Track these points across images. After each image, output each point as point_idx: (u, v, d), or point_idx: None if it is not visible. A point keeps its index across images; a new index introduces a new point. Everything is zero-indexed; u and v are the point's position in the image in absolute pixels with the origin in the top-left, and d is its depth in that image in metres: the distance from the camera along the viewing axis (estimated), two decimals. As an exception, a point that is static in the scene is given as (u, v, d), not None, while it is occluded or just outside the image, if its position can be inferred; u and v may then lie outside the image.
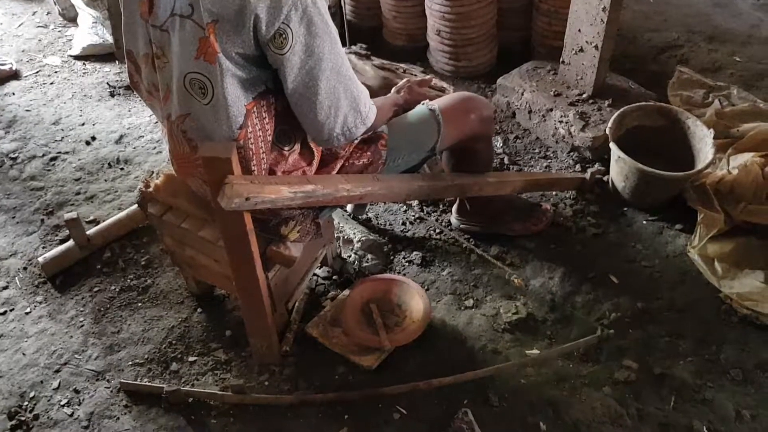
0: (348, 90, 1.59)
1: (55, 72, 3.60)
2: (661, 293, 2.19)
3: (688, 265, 2.27)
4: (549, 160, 2.75)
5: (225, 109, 1.49)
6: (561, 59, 2.80)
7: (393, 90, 2.09)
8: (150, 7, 1.49)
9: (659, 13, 3.70)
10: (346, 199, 1.78)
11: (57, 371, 2.08)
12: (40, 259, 2.37)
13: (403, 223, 2.51)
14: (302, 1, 1.41)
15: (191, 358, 2.09)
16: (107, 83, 3.46)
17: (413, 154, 1.97)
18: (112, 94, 3.39)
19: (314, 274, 2.29)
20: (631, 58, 3.30)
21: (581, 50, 2.66)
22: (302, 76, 1.49)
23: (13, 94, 3.43)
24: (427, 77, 2.22)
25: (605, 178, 2.58)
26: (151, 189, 1.93)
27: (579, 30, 2.62)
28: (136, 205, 2.44)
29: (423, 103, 1.99)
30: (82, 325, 2.22)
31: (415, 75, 2.40)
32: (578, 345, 2.02)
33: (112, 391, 2.01)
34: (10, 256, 2.50)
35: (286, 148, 1.67)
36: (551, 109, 2.75)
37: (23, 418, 1.96)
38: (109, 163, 2.93)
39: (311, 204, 1.70)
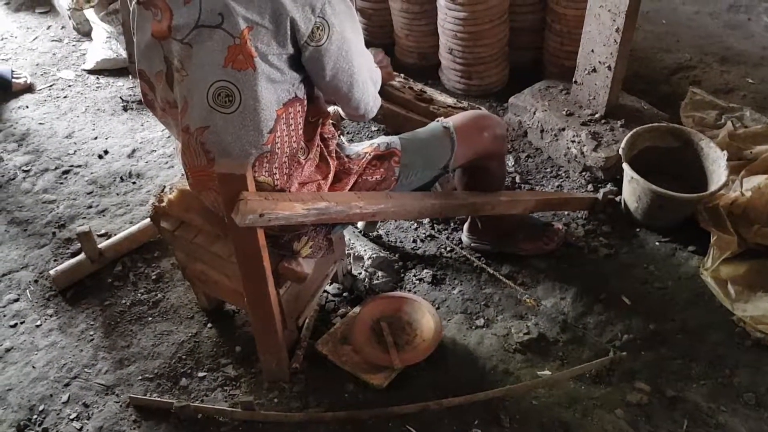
0: (367, 62, 1.69)
1: (69, 86, 3.63)
2: (673, 315, 2.17)
3: (700, 287, 2.25)
4: (561, 180, 2.74)
5: (255, 114, 1.51)
6: (573, 79, 2.80)
7: None
8: (169, 25, 1.50)
9: (671, 34, 3.71)
10: (358, 216, 1.78)
11: (66, 385, 2.08)
12: (52, 272, 2.37)
13: (414, 241, 2.50)
14: None
15: (201, 374, 2.08)
16: (120, 97, 3.49)
17: (426, 171, 1.97)
18: (125, 109, 3.42)
19: (324, 291, 2.28)
20: (644, 79, 3.30)
21: (594, 70, 2.67)
22: (340, 62, 1.56)
23: (27, 107, 3.46)
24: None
25: (617, 199, 2.57)
26: (164, 204, 1.94)
27: (592, 50, 2.62)
28: (147, 219, 2.44)
29: (437, 120, 2.00)
30: (93, 339, 2.22)
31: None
32: (590, 366, 2.01)
33: (121, 406, 2.01)
34: (22, 268, 2.50)
35: (302, 157, 1.68)
36: (563, 129, 2.75)
37: (32, 432, 1.96)
38: (121, 177, 2.94)
39: (324, 221, 1.71)
